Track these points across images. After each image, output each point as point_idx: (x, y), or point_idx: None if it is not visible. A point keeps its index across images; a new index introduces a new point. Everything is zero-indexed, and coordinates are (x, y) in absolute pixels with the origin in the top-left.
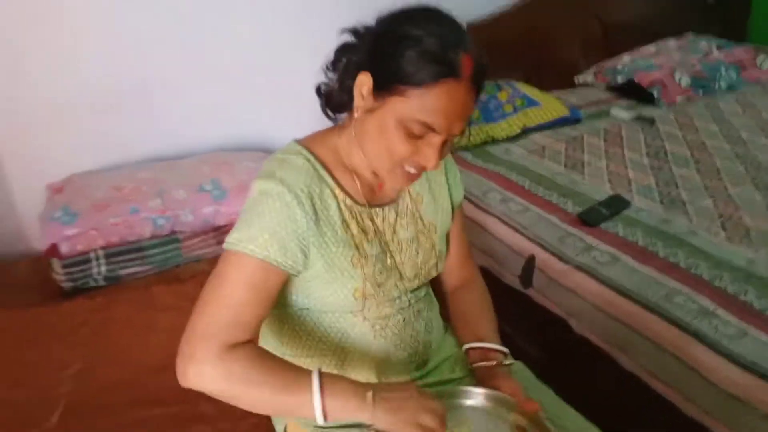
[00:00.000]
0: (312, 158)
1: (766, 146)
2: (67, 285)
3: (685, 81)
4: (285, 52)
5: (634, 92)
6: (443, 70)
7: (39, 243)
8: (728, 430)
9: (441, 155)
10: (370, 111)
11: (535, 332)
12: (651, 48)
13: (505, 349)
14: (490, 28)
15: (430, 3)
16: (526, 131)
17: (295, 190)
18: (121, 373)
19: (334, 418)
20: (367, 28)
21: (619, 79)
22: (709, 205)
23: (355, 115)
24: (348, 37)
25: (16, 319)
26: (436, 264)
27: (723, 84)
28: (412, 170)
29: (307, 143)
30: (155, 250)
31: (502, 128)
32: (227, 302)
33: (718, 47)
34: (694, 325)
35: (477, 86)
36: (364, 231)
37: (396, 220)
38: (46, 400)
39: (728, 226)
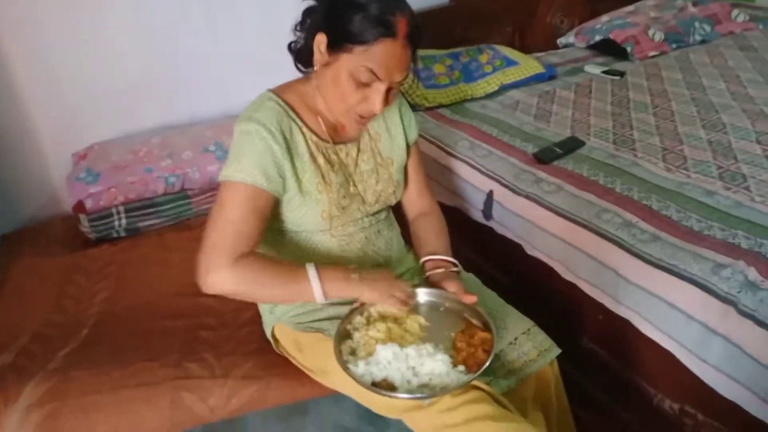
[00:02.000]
0: (282, 102)
1: (722, 90)
2: (93, 236)
3: (659, 36)
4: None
5: (611, 49)
6: (382, 31)
7: (67, 204)
8: (642, 320)
9: (386, 101)
10: (326, 65)
11: (497, 258)
12: (630, 8)
13: (454, 260)
14: None
15: None
16: (503, 88)
17: (269, 128)
18: (141, 298)
19: (330, 296)
20: None
21: (597, 38)
22: (656, 142)
23: (315, 69)
24: (312, 1)
25: (53, 264)
26: (394, 192)
27: (697, 37)
28: (363, 115)
29: (278, 90)
30: (168, 205)
31: (480, 87)
32: (230, 219)
33: (693, 3)
34: (617, 234)
35: (412, 43)
36: (329, 163)
37: (358, 155)
38: (80, 320)
39: (668, 158)
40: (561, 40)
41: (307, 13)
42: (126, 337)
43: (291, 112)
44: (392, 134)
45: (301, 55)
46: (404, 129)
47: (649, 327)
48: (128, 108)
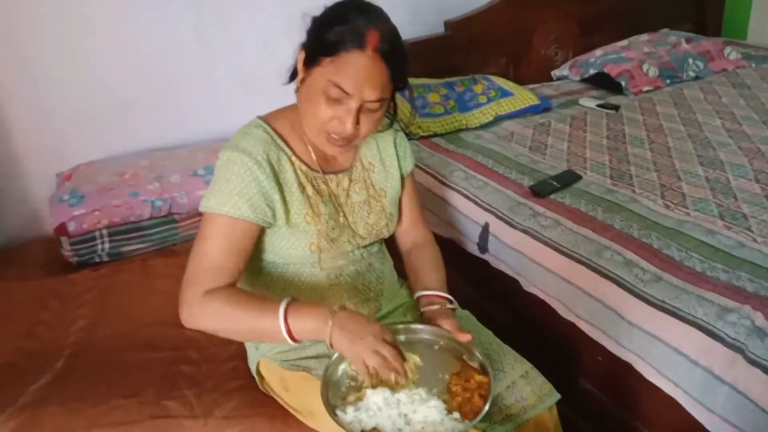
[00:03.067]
0: (270, 130)
1: (717, 127)
2: (74, 260)
3: (653, 71)
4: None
5: (605, 83)
6: (350, 41)
7: (49, 226)
8: (645, 365)
9: (357, 121)
10: (303, 81)
11: (492, 293)
12: (623, 42)
13: (449, 296)
14: (470, 23)
15: None
16: (498, 119)
17: (255, 157)
18: (121, 327)
19: (301, 338)
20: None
21: (591, 71)
22: (654, 178)
23: (297, 86)
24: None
25: (30, 288)
26: (387, 225)
27: (690, 74)
28: (335, 136)
29: (267, 117)
30: (154, 230)
31: (475, 117)
32: (208, 253)
33: (688, 40)
34: (618, 274)
35: (384, 58)
36: (319, 193)
37: (349, 185)
38: (55, 349)
39: (667, 195)
40: (555, 72)
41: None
42: (103, 369)
43: (279, 141)
44: (386, 165)
45: (294, 77)
46: (398, 160)
47: (652, 372)
48: (116, 128)
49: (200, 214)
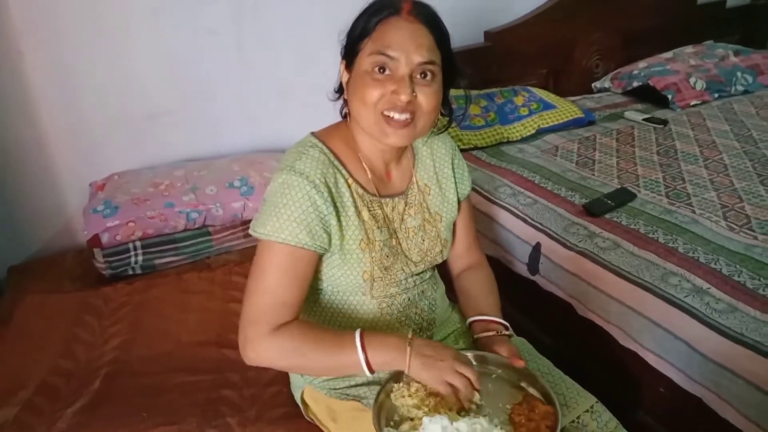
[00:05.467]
0: (327, 150)
1: None
2: (107, 272)
3: (700, 84)
4: (312, 66)
5: (649, 96)
6: (383, 13)
7: (82, 236)
8: (719, 400)
9: (411, 87)
10: (348, 83)
11: (542, 316)
12: (668, 54)
13: (504, 322)
14: (510, 34)
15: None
16: (540, 132)
17: (313, 180)
18: (157, 347)
19: (378, 369)
20: None
21: (635, 84)
22: (713, 198)
23: (345, 96)
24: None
25: (64, 302)
26: (441, 251)
27: (739, 87)
28: (393, 113)
29: (322, 136)
30: (188, 242)
31: (516, 129)
32: (268, 289)
33: (735, 53)
34: (687, 302)
35: (423, 20)
36: (374, 218)
37: (405, 209)
38: (90, 369)
39: (730, 216)
40: (596, 85)
41: None
42: (141, 393)
43: (336, 161)
44: (443, 188)
45: (341, 92)
46: (456, 182)
47: (729, 409)
48: (150, 137)
49: (235, 227)
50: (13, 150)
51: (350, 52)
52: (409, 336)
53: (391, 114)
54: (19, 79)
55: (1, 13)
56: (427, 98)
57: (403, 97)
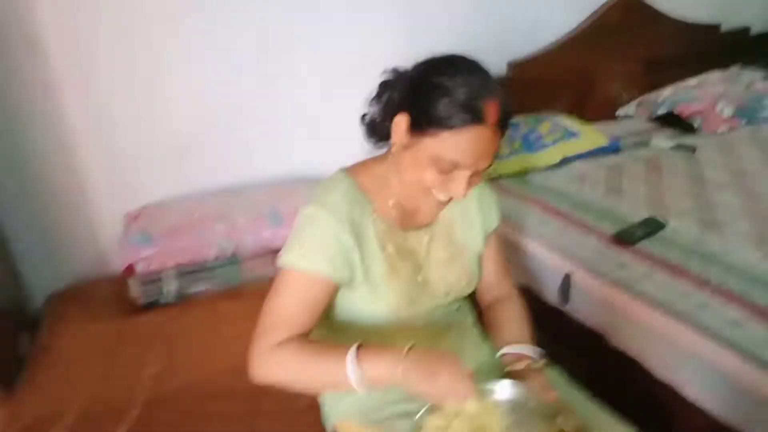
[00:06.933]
0: (354, 185)
1: None
2: (142, 301)
3: (728, 111)
4: (337, 96)
5: (675, 122)
6: (471, 117)
7: (116, 265)
8: None
9: (470, 186)
10: (406, 147)
11: (574, 346)
12: (693, 81)
13: (537, 350)
14: (533, 65)
15: (463, 51)
16: (565, 161)
17: (338, 214)
18: (193, 375)
19: (371, 384)
20: (406, 71)
21: (660, 111)
22: (746, 228)
23: (393, 150)
24: (389, 76)
25: (100, 330)
26: (468, 283)
27: (767, 114)
28: (442, 197)
29: (351, 171)
30: (219, 270)
31: (541, 158)
32: (282, 309)
33: (764, 78)
34: (725, 334)
35: (502, 129)
36: (399, 251)
37: (430, 242)
38: (128, 397)
39: (764, 247)
40: (620, 112)
41: (384, 87)
42: (180, 422)
43: (363, 197)
44: (469, 220)
45: (374, 129)
46: (483, 215)
47: None
48: (183, 167)
49: (265, 255)
50: (51, 182)
51: (419, 120)
52: (405, 349)
53: (441, 197)
54: (58, 114)
55: (41, 53)
56: (475, 183)
57: (462, 195)
